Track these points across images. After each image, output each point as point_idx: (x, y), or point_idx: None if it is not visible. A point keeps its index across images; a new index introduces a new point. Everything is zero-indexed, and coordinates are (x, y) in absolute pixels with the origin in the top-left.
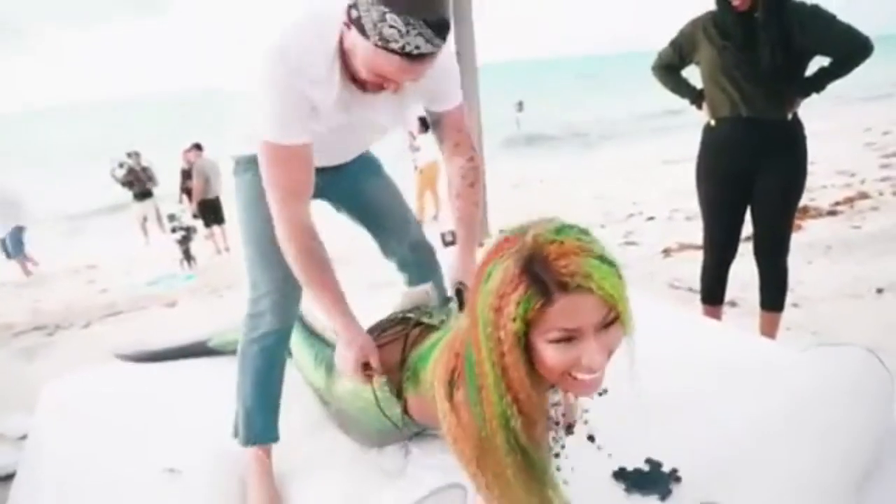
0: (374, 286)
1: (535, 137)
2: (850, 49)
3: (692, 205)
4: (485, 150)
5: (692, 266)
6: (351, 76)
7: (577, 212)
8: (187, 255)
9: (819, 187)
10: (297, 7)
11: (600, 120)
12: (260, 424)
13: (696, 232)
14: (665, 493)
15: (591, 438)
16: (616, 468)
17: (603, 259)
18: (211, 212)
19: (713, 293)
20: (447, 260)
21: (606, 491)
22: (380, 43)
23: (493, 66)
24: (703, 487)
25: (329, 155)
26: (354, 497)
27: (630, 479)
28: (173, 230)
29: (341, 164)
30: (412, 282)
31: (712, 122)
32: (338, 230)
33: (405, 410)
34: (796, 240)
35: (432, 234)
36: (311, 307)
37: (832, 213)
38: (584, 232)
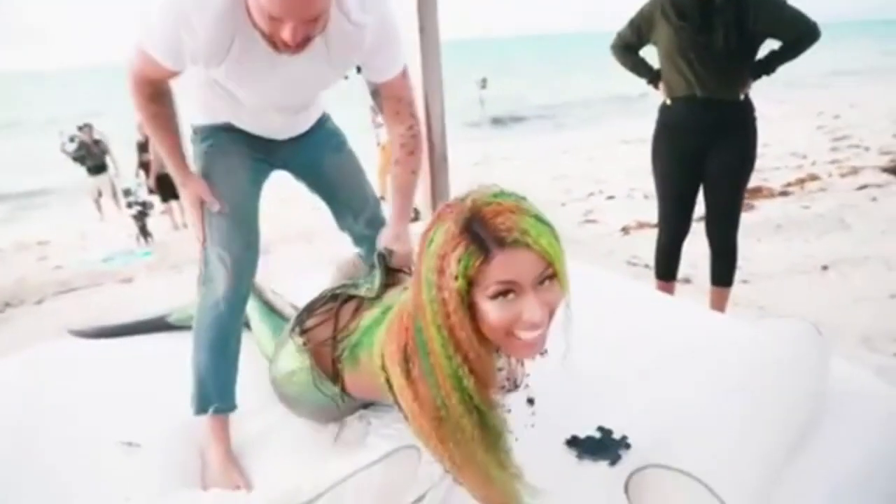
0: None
1: (498, 115)
2: (799, 33)
3: (651, 184)
4: (448, 127)
5: (650, 244)
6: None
7: (538, 190)
8: (144, 231)
9: (772, 168)
10: None
11: (563, 99)
12: (214, 392)
13: (654, 211)
14: (615, 459)
15: (530, 401)
16: (569, 436)
17: (538, 219)
18: (168, 186)
19: (666, 269)
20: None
21: (559, 458)
22: None
23: (457, 42)
24: (651, 453)
25: (266, 123)
26: (312, 466)
27: (582, 446)
28: (129, 205)
29: (299, 135)
30: (367, 256)
31: (668, 102)
32: (301, 206)
33: (343, 388)
34: (748, 219)
35: None
36: (269, 284)
37: (784, 193)
38: (521, 197)
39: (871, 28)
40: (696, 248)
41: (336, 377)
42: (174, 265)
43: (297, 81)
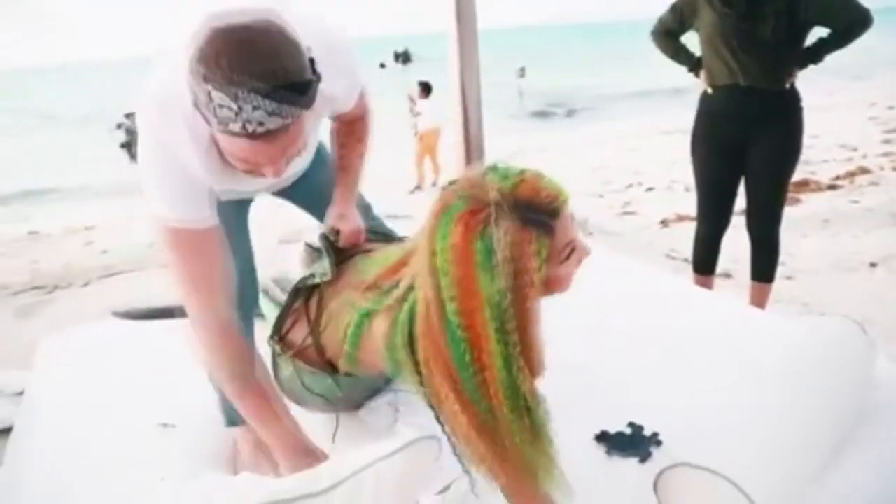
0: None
1: (535, 105)
2: (850, 21)
3: (691, 176)
4: (485, 116)
5: (689, 237)
6: None
7: (576, 181)
8: None
9: (820, 161)
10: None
11: (602, 89)
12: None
13: (694, 203)
14: (645, 456)
15: None
16: (598, 431)
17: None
18: None
19: (705, 263)
20: None
21: (587, 453)
22: (220, 127)
23: (495, 31)
24: (682, 451)
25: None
26: (340, 453)
27: (611, 442)
28: None
29: None
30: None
31: (709, 90)
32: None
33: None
34: (794, 213)
35: (432, 201)
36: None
37: (832, 187)
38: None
39: None
40: (737, 242)
41: (328, 365)
42: None
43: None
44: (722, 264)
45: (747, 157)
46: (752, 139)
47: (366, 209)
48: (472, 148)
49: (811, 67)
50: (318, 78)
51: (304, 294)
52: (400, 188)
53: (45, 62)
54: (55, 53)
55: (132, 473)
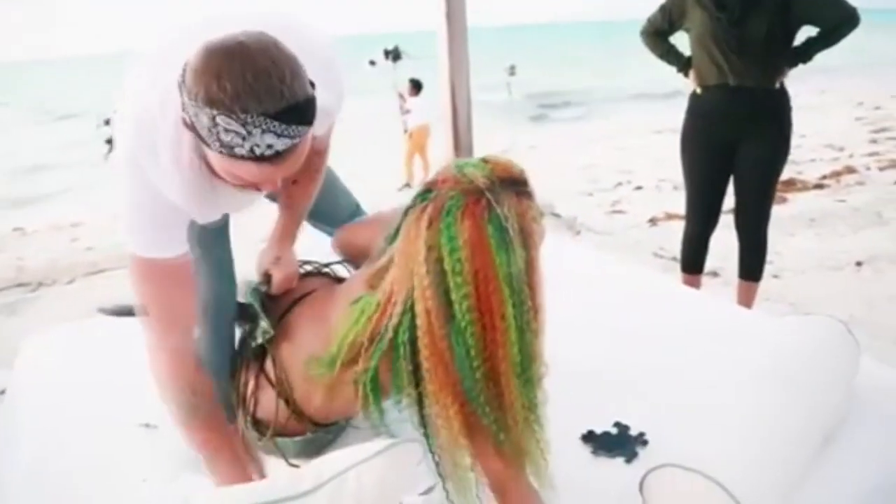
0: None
1: (525, 104)
2: (838, 20)
3: (680, 175)
4: (474, 114)
5: (678, 235)
6: None
7: (565, 180)
8: None
9: (807, 160)
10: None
11: (592, 88)
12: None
13: (683, 202)
14: (631, 456)
15: None
16: (585, 431)
17: None
18: None
19: (693, 262)
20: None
21: (573, 453)
22: (223, 150)
23: (484, 30)
24: (668, 451)
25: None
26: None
27: (597, 442)
28: None
29: None
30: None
31: (699, 90)
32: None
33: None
34: (781, 212)
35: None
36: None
37: (819, 186)
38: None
39: None
40: (725, 241)
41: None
42: None
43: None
44: (709, 263)
45: (736, 157)
46: (741, 139)
47: (355, 208)
48: (461, 146)
49: (799, 67)
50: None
51: (250, 361)
52: (389, 186)
53: (30, 56)
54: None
55: (114, 474)
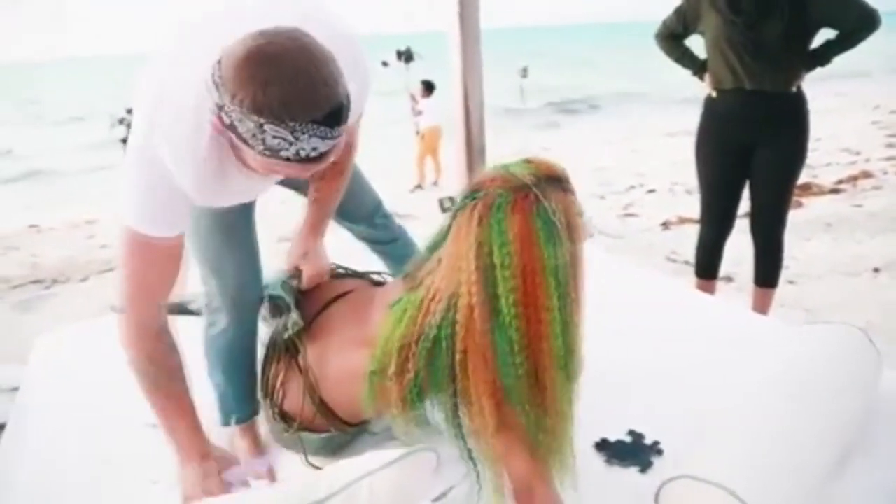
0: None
1: (538, 106)
2: (857, 22)
3: (693, 178)
4: (487, 116)
5: (691, 239)
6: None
7: (577, 182)
8: None
9: (823, 165)
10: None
11: (606, 90)
12: (235, 406)
13: (696, 205)
14: (646, 466)
15: None
16: (598, 439)
17: None
18: None
19: (707, 267)
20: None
21: (586, 462)
22: (268, 153)
23: (497, 31)
24: (684, 461)
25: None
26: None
27: (611, 451)
28: None
29: None
30: (359, 235)
31: (714, 94)
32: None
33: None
34: (797, 217)
35: (431, 200)
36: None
37: (835, 190)
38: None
39: None
40: (740, 246)
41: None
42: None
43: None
44: (724, 268)
45: (752, 161)
46: (757, 143)
47: (377, 205)
48: (473, 148)
49: (815, 70)
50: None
51: (281, 354)
52: (401, 187)
53: (50, 56)
54: (61, 47)
55: (124, 474)
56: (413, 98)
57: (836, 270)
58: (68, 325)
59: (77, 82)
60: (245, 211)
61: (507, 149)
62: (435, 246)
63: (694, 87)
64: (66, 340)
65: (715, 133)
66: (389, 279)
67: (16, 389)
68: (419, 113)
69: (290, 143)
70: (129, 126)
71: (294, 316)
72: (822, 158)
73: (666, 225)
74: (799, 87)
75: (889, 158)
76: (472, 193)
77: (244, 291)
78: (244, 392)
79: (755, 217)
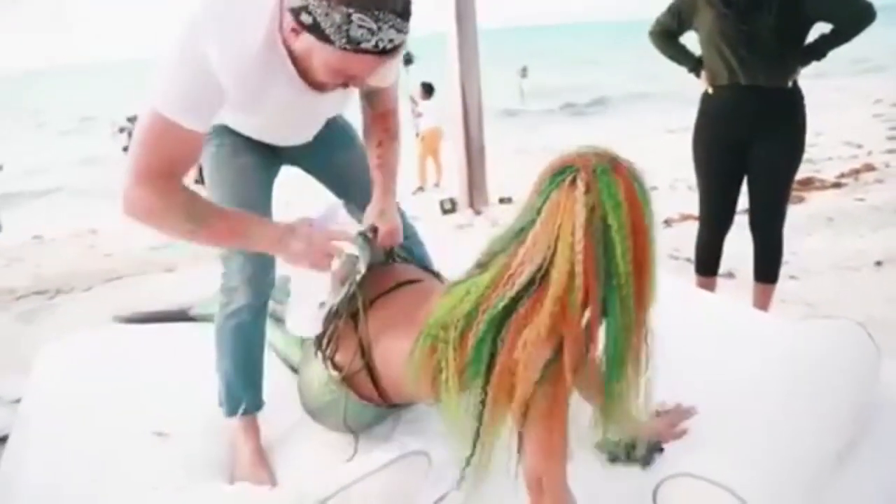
0: None
1: (537, 105)
2: (852, 16)
3: (695, 175)
4: (487, 116)
5: (693, 236)
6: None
7: None
8: None
9: (825, 159)
10: None
11: (606, 88)
12: (242, 396)
13: (697, 203)
14: (646, 463)
15: None
16: (597, 442)
17: None
18: None
19: (707, 264)
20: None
21: (588, 460)
22: (349, 46)
23: (496, 31)
24: (685, 457)
25: (276, 138)
26: (336, 462)
27: (612, 453)
28: None
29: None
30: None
31: (710, 90)
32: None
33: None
34: (798, 212)
35: (433, 201)
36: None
37: (837, 185)
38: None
39: None
40: (741, 242)
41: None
42: (217, 254)
43: (321, 112)
44: (725, 264)
45: (750, 157)
46: (754, 139)
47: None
48: (472, 148)
49: (814, 64)
50: None
51: (343, 313)
52: (402, 189)
53: (51, 64)
54: (62, 54)
55: (126, 482)
56: (413, 100)
57: (838, 265)
58: (71, 335)
59: (77, 89)
60: (265, 193)
61: (507, 148)
62: (516, 231)
63: (696, 86)
64: (69, 351)
65: (711, 129)
66: None
67: (19, 401)
68: (419, 115)
69: (373, 34)
70: (129, 134)
71: (360, 266)
72: (823, 153)
73: (668, 222)
74: (795, 82)
75: (891, 151)
76: (562, 171)
77: (261, 271)
78: (253, 380)
79: (754, 213)
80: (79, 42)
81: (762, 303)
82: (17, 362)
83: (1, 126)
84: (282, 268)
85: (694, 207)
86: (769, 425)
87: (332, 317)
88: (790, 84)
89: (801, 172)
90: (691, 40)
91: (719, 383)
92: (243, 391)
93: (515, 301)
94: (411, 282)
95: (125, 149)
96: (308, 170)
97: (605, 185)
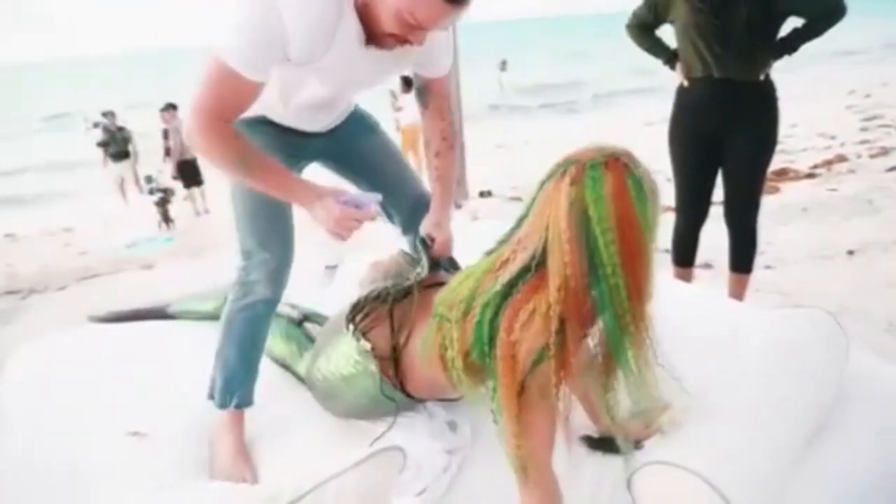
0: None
1: (518, 98)
2: (823, 10)
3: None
4: (466, 110)
5: (670, 228)
6: (366, 32)
7: None
8: (166, 218)
9: (799, 150)
10: None
11: (585, 81)
12: (239, 389)
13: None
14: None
15: None
16: (581, 434)
17: None
18: (190, 173)
19: (684, 255)
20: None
21: (567, 450)
22: None
23: (475, 25)
24: (657, 447)
25: (308, 118)
26: (315, 459)
27: (591, 438)
28: (151, 192)
29: (335, 126)
30: (412, 247)
31: (685, 83)
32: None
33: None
34: (773, 202)
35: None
36: None
37: (810, 175)
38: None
39: None
40: (718, 232)
41: (397, 379)
42: (195, 251)
43: (371, 75)
44: (702, 254)
45: (724, 150)
46: (728, 131)
47: (421, 193)
48: None
49: (788, 57)
50: None
51: (389, 300)
52: None
53: (20, 60)
54: (32, 50)
55: (103, 483)
56: (393, 94)
57: (812, 254)
58: (46, 335)
59: (52, 85)
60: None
61: (487, 142)
62: (517, 221)
63: (666, 77)
64: (44, 351)
65: (686, 122)
66: None
67: None
68: (399, 109)
69: None
70: (104, 129)
71: (419, 269)
72: (798, 144)
73: None
74: (767, 76)
75: (863, 142)
76: (564, 164)
77: (283, 268)
78: (251, 374)
79: (728, 204)
80: (51, 37)
81: (737, 292)
82: None
83: None
84: None
85: (672, 199)
86: (742, 414)
87: (372, 300)
88: (763, 77)
89: (776, 163)
90: (668, 34)
91: (695, 373)
92: (240, 383)
93: (510, 286)
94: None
95: (99, 144)
96: (335, 162)
97: (591, 179)
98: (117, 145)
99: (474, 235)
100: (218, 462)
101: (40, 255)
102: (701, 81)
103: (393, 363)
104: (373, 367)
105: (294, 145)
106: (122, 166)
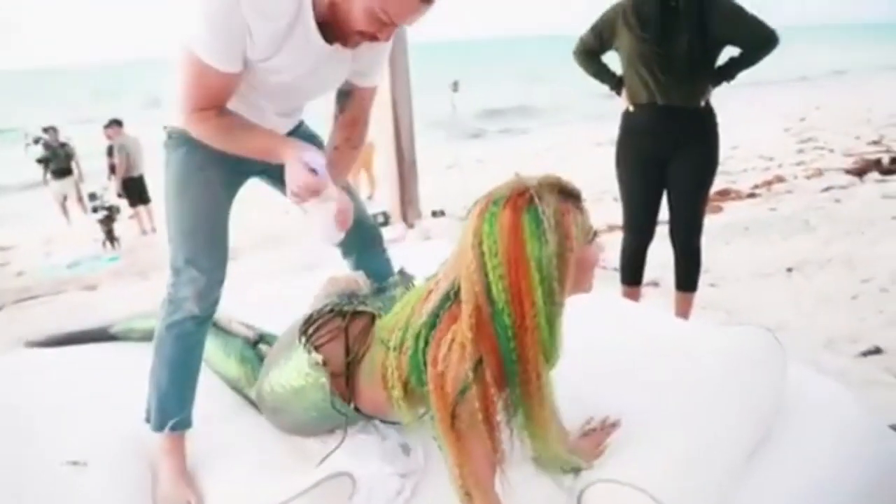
0: (308, 267)
1: (469, 119)
2: (758, 40)
3: None
4: (418, 130)
5: (620, 247)
6: (334, 31)
7: None
8: (110, 236)
9: (740, 171)
10: None
11: (535, 102)
12: (174, 410)
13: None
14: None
15: None
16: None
17: None
18: (136, 191)
19: (632, 274)
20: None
21: (518, 467)
22: None
23: (427, 45)
24: (607, 464)
25: (269, 123)
26: (268, 481)
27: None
28: (95, 210)
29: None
30: (357, 266)
31: (631, 108)
32: (272, 210)
33: (355, 405)
34: (717, 221)
35: None
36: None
37: (751, 195)
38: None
39: (835, 32)
40: (665, 252)
41: (348, 394)
42: (141, 271)
43: (325, 79)
44: (650, 273)
45: (668, 172)
46: (672, 155)
47: (377, 236)
48: (404, 162)
49: (727, 83)
50: None
51: (346, 316)
52: None
53: None
54: None
55: None
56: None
57: (754, 272)
58: None
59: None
60: (226, 208)
61: (439, 162)
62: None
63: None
64: None
65: (632, 146)
66: None
67: None
68: None
69: None
70: (45, 145)
71: (378, 303)
72: (739, 165)
73: (595, 233)
74: (708, 102)
75: (799, 163)
76: (483, 197)
77: (212, 286)
78: (185, 395)
79: (673, 225)
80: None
81: (683, 310)
82: None
83: None
84: None
85: (620, 219)
86: (686, 429)
87: (326, 314)
88: (703, 103)
89: (719, 184)
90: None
91: (639, 390)
92: (175, 405)
93: (435, 316)
94: None
95: (39, 160)
96: (277, 178)
97: (490, 214)
98: (59, 162)
99: (426, 255)
100: (160, 487)
101: None
102: (646, 107)
103: (345, 378)
104: (324, 379)
105: (240, 160)
106: (65, 183)
